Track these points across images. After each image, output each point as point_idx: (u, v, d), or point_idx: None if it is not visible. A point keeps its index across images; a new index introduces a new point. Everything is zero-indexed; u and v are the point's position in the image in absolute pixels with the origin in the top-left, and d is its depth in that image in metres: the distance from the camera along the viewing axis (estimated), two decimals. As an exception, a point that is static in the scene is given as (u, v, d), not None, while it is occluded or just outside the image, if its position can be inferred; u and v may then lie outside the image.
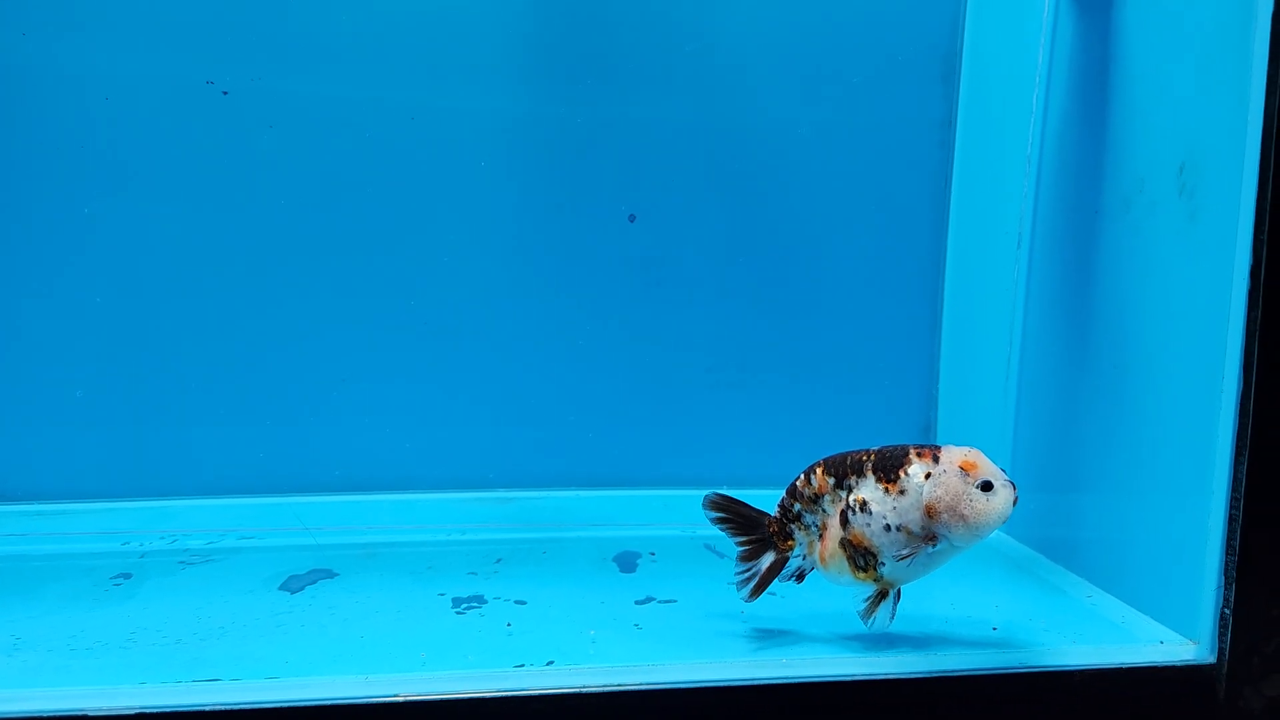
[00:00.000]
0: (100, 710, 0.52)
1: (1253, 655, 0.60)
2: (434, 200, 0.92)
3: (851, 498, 0.61)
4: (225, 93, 0.87)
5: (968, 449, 0.59)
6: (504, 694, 0.55)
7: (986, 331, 0.94)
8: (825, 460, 0.64)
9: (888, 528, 0.60)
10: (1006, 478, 0.58)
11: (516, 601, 0.70)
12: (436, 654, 0.60)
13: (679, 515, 0.94)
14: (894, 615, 0.62)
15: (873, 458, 0.61)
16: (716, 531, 0.90)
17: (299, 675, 0.56)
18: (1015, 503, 0.58)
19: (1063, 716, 0.61)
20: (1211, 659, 0.60)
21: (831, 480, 0.63)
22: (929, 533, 0.59)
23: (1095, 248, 0.75)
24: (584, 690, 0.56)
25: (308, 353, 0.91)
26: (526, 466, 0.96)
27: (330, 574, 0.76)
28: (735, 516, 0.66)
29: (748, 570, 0.65)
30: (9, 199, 0.86)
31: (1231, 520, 0.58)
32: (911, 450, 0.60)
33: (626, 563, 0.81)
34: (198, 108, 0.87)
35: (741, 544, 0.66)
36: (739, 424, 1.00)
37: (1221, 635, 0.60)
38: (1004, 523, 0.58)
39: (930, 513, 0.58)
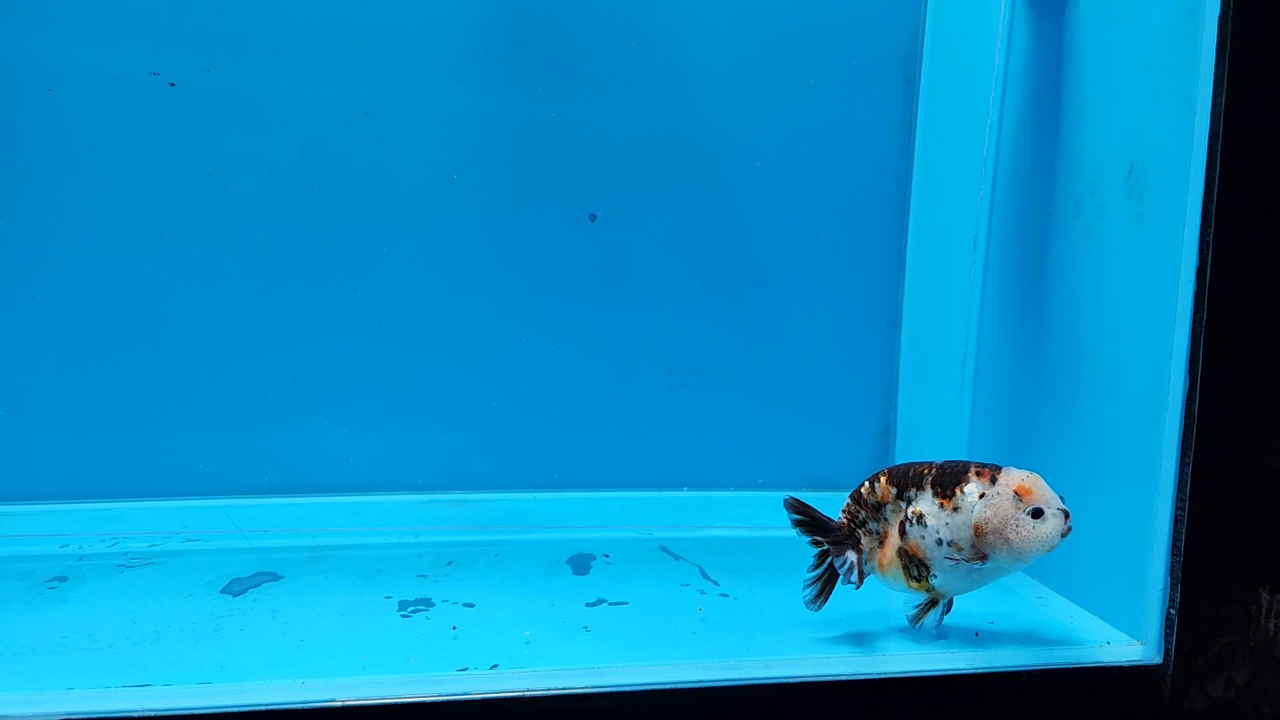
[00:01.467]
0: (24, 715, 0.50)
1: (1198, 656, 0.60)
2: (387, 198, 0.91)
3: (910, 509, 0.63)
4: (172, 84, 0.85)
5: (1027, 474, 0.60)
6: (445, 698, 0.54)
7: (944, 334, 0.94)
8: (889, 470, 0.66)
9: (939, 542, 0.61)
10: (1060, 506, 0.59)
11: (465, 604, 0.69)
12: (378, 657, 0.59)
13: (636, 517, 0.93)
14: (940, 623, 0.65)
15: (933, 472, 0.63)
16: (672, 534, 0.91)
17: (233, 680, 0.55)
18: (1067, 534, 0.58)
19: (1010, 717, 0.61)
20: (1158, 659, 0.61)
21: (894, 490, 0.64)
22: (979, 551, 0.60)
23: (1048, 250, 0.75)
24: (528, 694, 0.55)
25: (257, 351, 0.89)
26: (481, 469, 0.95)
27: (275, 577, 0.74)
28: (809, 520, 0.67)
29: (816, 573, 0.66)
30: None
31: (1177, 521, 0.59)
32: (972, 468, 0.62)
33: (580, 565, 0.80)
34: (143, 100, 0.85)
35: (814, 545, 0.67)
36: (698, 426, 1.00)
37: (1167, 636, 0.60)
38: (1049, 551, 0.59)
39: (978, 532, 0.60)
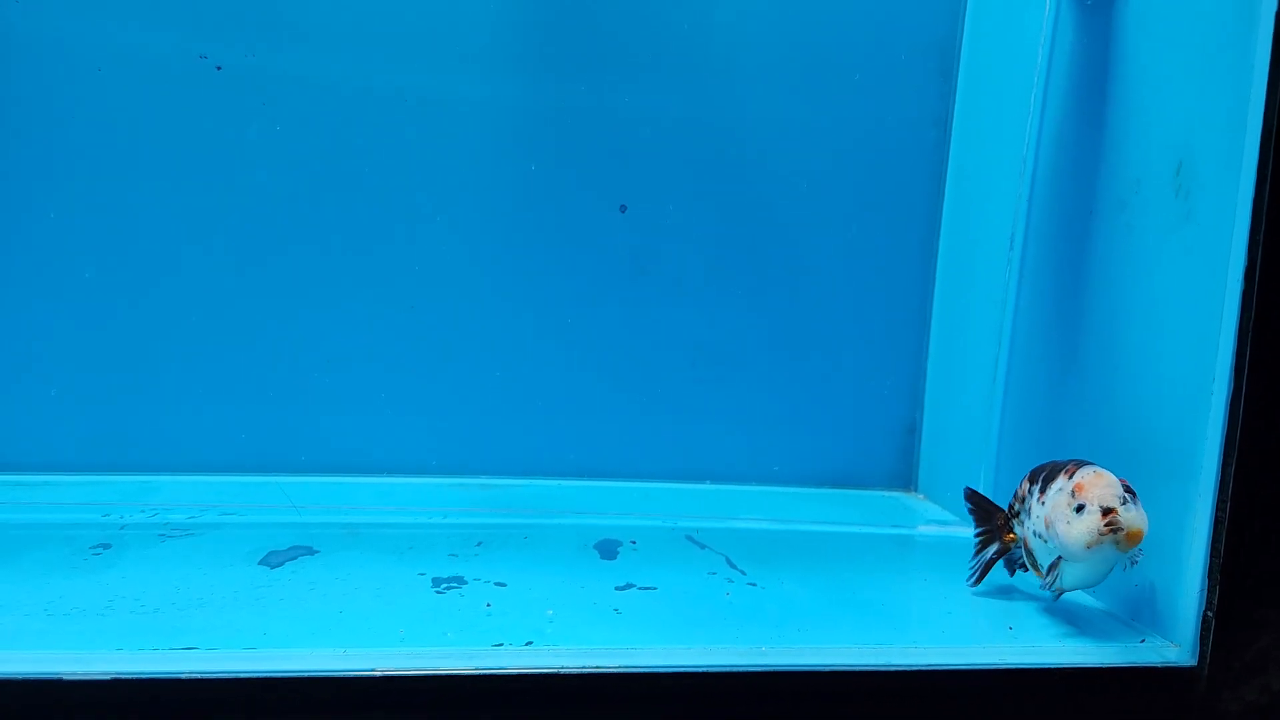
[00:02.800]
0: (75, 674, 0.51)
1: (1234, 659, 0.60)
2: (424, 186, 0.92)
3: (1031, 502, 0.66)
4: (219, 68, 0.87)
5: (1096, 471, 0.61)
6: (482, 672, 0.55)
7: (975, 331, 0.94)
8: (1035, 467, 0.69)
9: (1035, 534, 0.65)
10: (1104, 505, 0.58)
11: (496, 583, 0.70)
12: (415, 631, 0.59)
13: (661, 506, 0.94)
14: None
15: (1046, 469, 0.66)
16: (697, 524, 0.91)
17: (277, 647, 0.56)
18: (1110, 532, 0.57)
19: (1041, 714, 0.60)
20: (1193, 661, 0.60)
21: (1028, 485, 0.68)
22: (1051, 545, 0.63)
23: (1088, 248, 0.75)
24: (562, 671, 0.55)
25: (295, 335, 0.91)
26: (508, 454, 0.96)
27: (311, 551, 0.75)
28: (978, 509, 0.73)
29: (977, 557, 0.72)
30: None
31: (1218, 523, 0.58)
32: (1067, 466, 0.64)
33: (607, 550, 0.81)
34: (190, 82, 0.86)
35: (977, 534, 0.73)
36: (723, 418, 1.00)
37: (1203, 638, 0.60)
38: (1093, 549, 0.58)
39: (1046, 525, 0.62)
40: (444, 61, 0.90)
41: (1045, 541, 0.63)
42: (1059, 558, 0.62)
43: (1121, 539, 0.57)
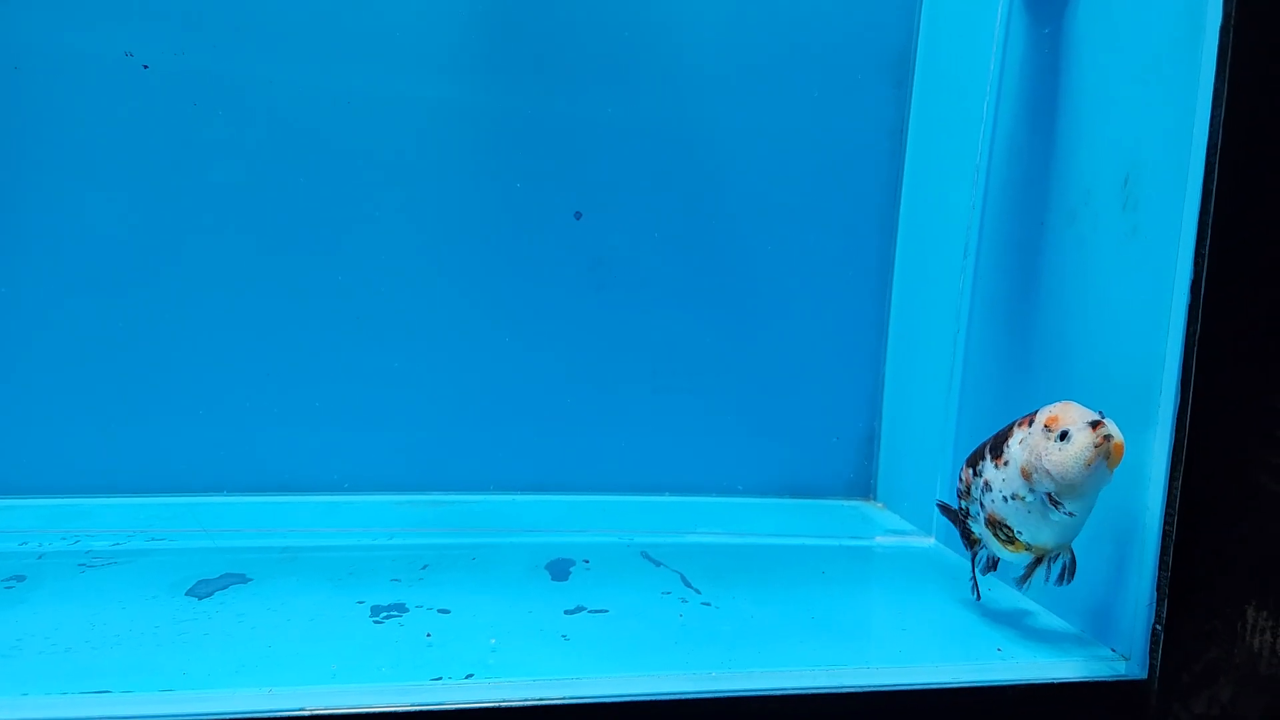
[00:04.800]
0: (-24, 722, 0.48)
1: (1183, 671, 0.59)
2: (369, 192, 0.89)
3: (981, 481, 0.65)
4: (146, 66, 0.83)
5: (1059, 403, 0.60)
6: (418, 709, 0.52)
7: (931, 340, 0.93)
8: (968, 456, 0.68)
9: (1005, 499, 0.63)
10: (1089, 420, 0.57)
11: (440, 610, 0.67)
12: (349, 665, 0.57)
13: (616, 522, 0.92)
14: (1053, 579, 0.63)
15: (989, 440, 0.65)
16: (653, 539, 0.89)
17: (197, 688, 0.53)
18: (1104, 444, 0.56)
19: (995, 733, 0.60)
20: (1142, 675, 0.60)
21: (970, 471, 0.67)
22: (1038, 494, 0.60)
23: (1040, 259, 0.75)
24: (503, 704, 0.53)
25: (229, 346, 0.87)
26: (459, 469, 0.93)
27: (243, 579, 0.72)
28: (954, 521, 0.72)
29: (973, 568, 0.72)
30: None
31: (1165, 535, 0.58)
32: (1016, 422, 0.63)
33: (559, 570, 0.79)
34: (116, 81, 0.82)
35: (966, 546, 0.72)
36: (681, 429, 0.99)
37: (1153, 651, 0.59)
38: (1092, 466, 0.56)
39: (1025, 475, 0.61)
40: (393, 64, 0.88)
41: (1021, 498, 0.61)
42: (1031, 513, 0.61)
43: (1113, 449, 0.56)
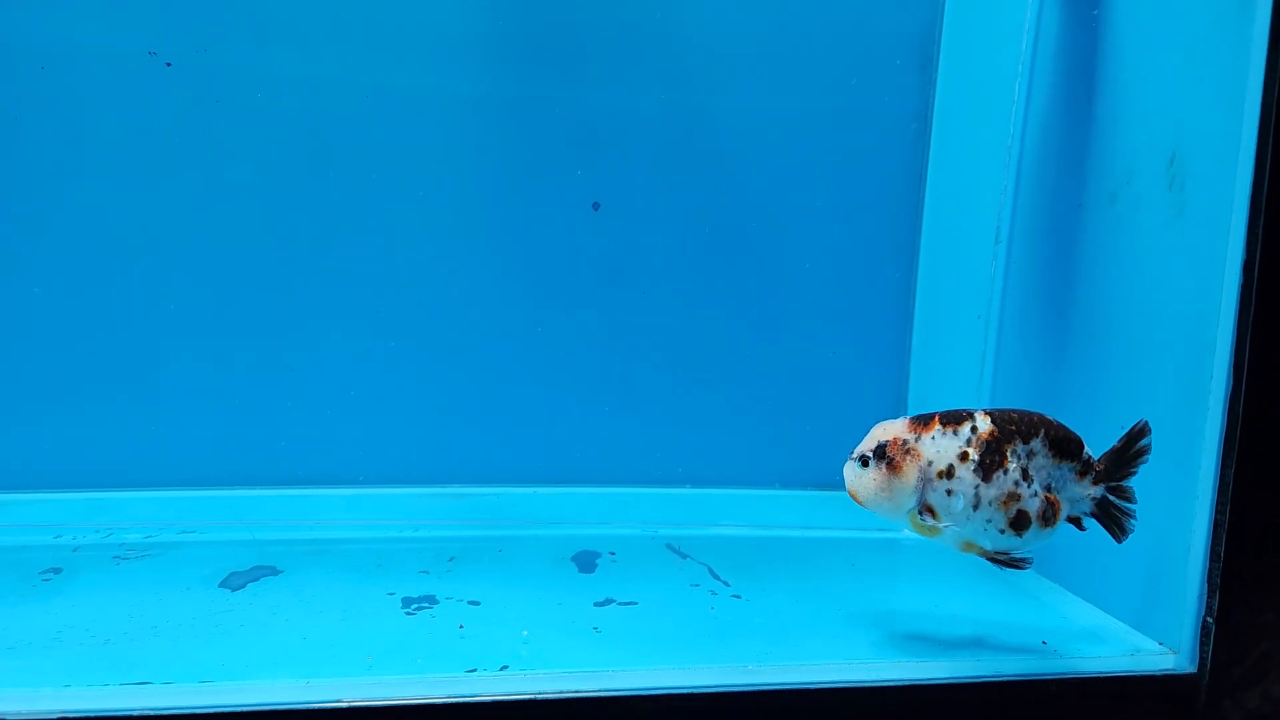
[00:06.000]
0: (20, 714, 0.48)
1: (1234, 665, 0.58)
2: (388, 184, 0.88)
3: None
4: (169, 64, 0.83)
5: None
6: (455, 700, 0.52)
7: (960, 329, 0.92)
8: None
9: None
10: (864, 452, 0.59)
11: (470, 602, 0.67)
12: (384, 657, 0.56)
13: (640, 514, 0.91)
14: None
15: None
16: (678, 531, 0.89)
17: (235, 679, 0.53)
18: (859, 480, 0.59)
19: (1038, 727, 0.59)
20: (1191, 669, 0.59)
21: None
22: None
23: (1077, 242, 0.73)
24: (539, 697, 0.53)
25: (254, 340, 0.87)
26: (482, 462, 0.93)
27: (274, 571, 0.72)
28: None
29: None
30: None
31: (1217, 526, 0.57)
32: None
33: (585, 562, 0.78)
34: (139, 80, 0.82)
35: None
36: (703, 421, 0.97)
37: (1203, 645, 0.58)
38: (853, 495, 0.60)
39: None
40: (409, 55, 0.87)
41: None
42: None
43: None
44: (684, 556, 0.81)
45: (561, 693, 0.53)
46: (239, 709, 0.50)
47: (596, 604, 0.68)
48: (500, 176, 0.90)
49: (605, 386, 0.94)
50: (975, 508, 0.57)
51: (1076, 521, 0.60)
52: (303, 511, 0.86)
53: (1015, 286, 0.84)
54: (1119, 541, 0.58)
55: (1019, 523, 0.57)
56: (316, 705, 0.50)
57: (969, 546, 0.60)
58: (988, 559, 0.60)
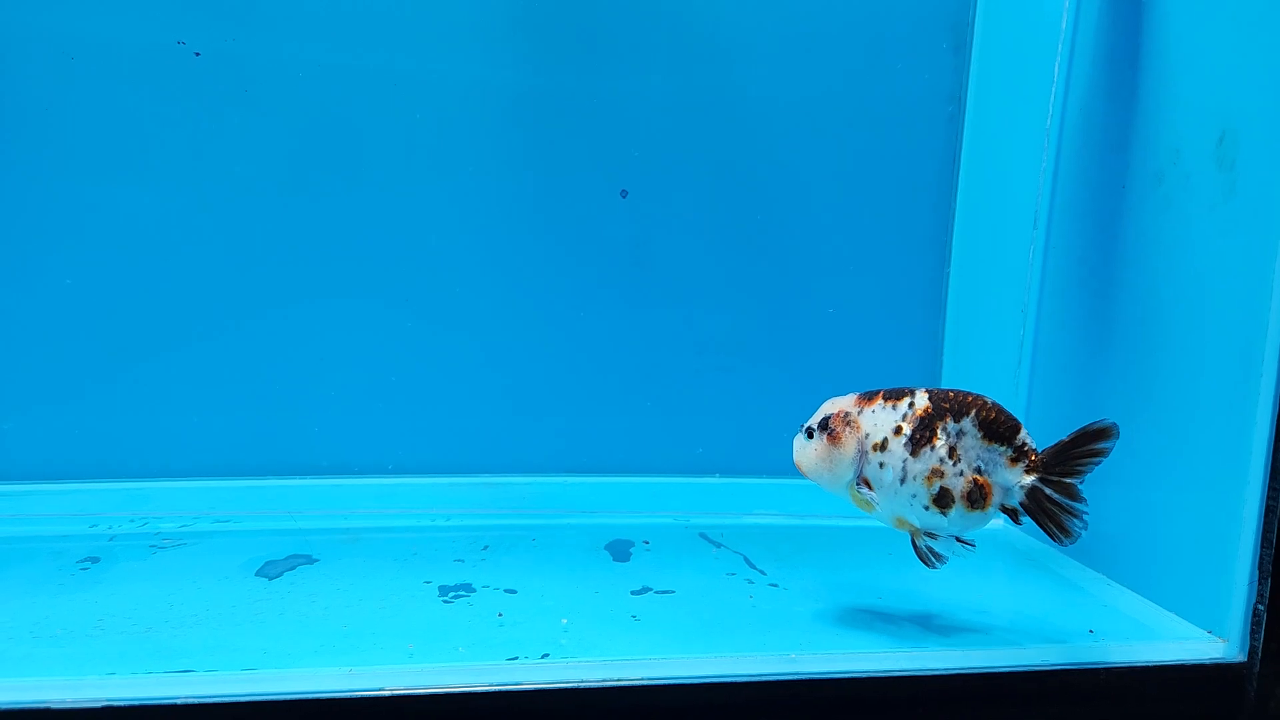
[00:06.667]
0: (65, 703, 0.48)
1: (1285, 654, 0.57)
2: (417, 175, 0.88)
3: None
4: (197, 54, 0.83)
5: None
6: (498, 688, 0.52)
7: (996, 315, 0.91)
8: None
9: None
10: (810, 424, 0.62)
11: (506, 590, 0.67)
12: (425, 645, 0.56)
13: (672, 504, 0.91)
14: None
15: None
16: (709, 521, 0.88)
17: (279, 667, 0.53)
18: (803, 451, 0.62)
19: (1084, 717, 0.58)
20: (1241, 657, 0.58)
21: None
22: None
23: (1121, 225, 0.71)
24: (583, 685, 0.53)
25: (287, 332, 0.87)
26: (513, 451, 0.92)
27: (310, 560, 0.72)
28: None
29: None
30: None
31: (1268, 511, 0.55)
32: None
33: (619, 551, 0.78)
34: (167, 69, 0.82)
35: None
36: (733, 410, 0.97)
37: (1254, 633, 0.57)
38: (798, 465, 0.64)
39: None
40: (435, 42, 0.86)
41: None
42: None
43: None
44: (718, 545, 0.81)
45: (605, 681, 0.53)
46: (283, 696, 0.50)
47: (633, 592, 0.67)
48: (531, 166, 0.90)
49: (635, 377, 0.94)
50: (902, 481, 0.58)
51: (1012, 514, 0.58)
52: (337, 501, 0.86)
53: (1054, 272, 0.82)
54: (1060, 543, 0.56)
55: (942, 500, 0.57)
56: (361, 694, 0.50)
57: (901, 523, 0.61)
58: (913, 547, 0.61)
